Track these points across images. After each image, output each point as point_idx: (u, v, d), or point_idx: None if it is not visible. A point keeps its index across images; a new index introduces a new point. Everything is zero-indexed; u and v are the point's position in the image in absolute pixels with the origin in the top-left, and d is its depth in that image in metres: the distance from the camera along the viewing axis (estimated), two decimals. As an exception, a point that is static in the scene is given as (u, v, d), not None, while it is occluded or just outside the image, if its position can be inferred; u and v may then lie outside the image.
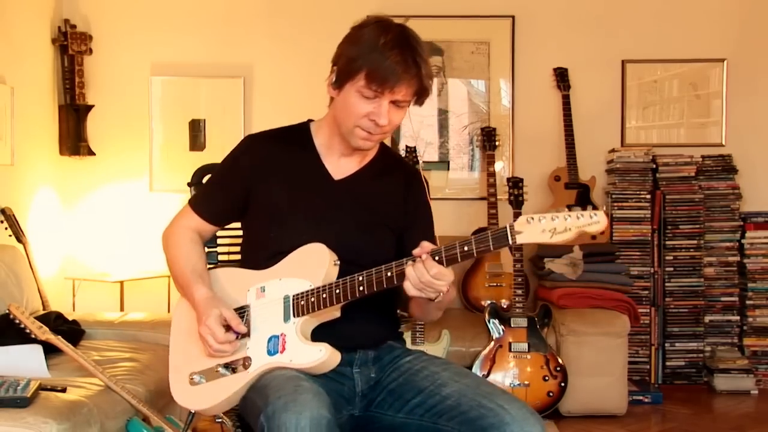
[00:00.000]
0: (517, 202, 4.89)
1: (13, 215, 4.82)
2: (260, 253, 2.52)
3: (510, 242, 2.13)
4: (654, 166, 5.63)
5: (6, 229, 4.77)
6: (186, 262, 2.58)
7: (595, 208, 2.09)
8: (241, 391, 2.37)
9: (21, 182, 5.16)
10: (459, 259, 2.20)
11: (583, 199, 5.48)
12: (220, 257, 2.91)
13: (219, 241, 2.89)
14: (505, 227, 2.14)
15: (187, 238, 2.62)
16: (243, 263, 2.63)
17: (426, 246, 2.24)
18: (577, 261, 5.22)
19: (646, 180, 5.61)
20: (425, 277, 2.20)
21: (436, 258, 2.21)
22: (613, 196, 5.58)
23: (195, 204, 2.65)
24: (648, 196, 5.57)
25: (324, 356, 2.30)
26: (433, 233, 2.65)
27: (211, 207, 2.63)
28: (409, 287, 2.23)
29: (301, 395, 2.13)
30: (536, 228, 2.12)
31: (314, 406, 2.10)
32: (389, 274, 2.26)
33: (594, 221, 2.09)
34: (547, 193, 5.69)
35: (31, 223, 5.18)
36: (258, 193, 2.54)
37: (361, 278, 2.29)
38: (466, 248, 2.18)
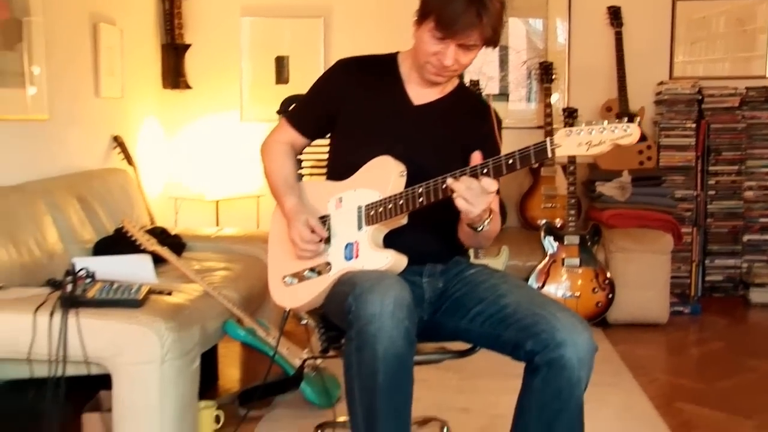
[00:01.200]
0: (571, 131, 4.84)
1: (124, 142, 4.92)
2: (342, 167, 2.52)
3: (549, 155, 2.09)
4: (700, 97, 5.52)
5: (118, 154, 4.87)
6: (279, 174, 2.61)
7: (630, 121, 2.02)
8: (325, 291, 2.42)
9: (130, 113, 5.24)
10: (504, 171, 2.14)
11: None
12: (305, 171, 2.92)
13: (304, 157, 2.89)
14: (545, 141, 2.09)
15: (281, 152, 2.65)
16: (328, 175, 2.64)
17: (477, 157, 2.20)
18: (626, 184, 5.19)
19: (692, 111, 5.51)
20: (475, 185, 2.17)
21: (484, 171, 2.17)
22: (661, 125, 5.51)
23: (290, 118, 2.67)
24: (693, 126, 5.49)
25: (391, 261, 2.32)
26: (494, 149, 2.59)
27: (304, 121, 2.64)
28: (459, 199, 2.19)
29: (385, 280, 2.16)
30: (574, 141, 2.06)
31: (397, 289, 2.13)
32: (444, 186, 2.23)
33: (627, 134, 2.02)
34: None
35: (139, 150, 5.28)
36: (344, 111, 2.54)
37: (420, 189, 2.28)
38: (510, 161, 2.13)
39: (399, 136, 2.49)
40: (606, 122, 2.05)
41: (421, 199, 2.28)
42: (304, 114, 2.66)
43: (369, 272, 2.27)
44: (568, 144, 2.07)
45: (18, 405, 3.40)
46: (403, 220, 2.39)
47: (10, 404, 3.40)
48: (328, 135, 2.67)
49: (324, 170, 2.69)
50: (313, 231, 2.43)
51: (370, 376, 2.11)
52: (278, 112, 2.91)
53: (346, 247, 2.41)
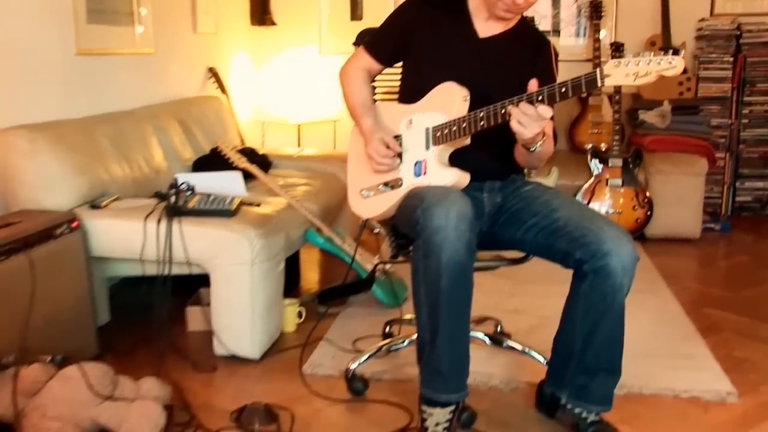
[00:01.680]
0: (617, 63, 4.72)
1: (218, 73, 4.93)
2: (412, 91, 2.49)
3: (599, 84, 2.03)
4: (738, 33, 5.30)
5: (213, 83, 4.89)
6: (357, 97, 2.59)
7: (675, 54, 1.95)
8: (397, 204, 2.41)
9: (222, 47, 5.23)
10: (557, 98, 2.09)
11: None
12: (378, 97, 2.89)
13: (377, 84, 2.87)
14: (596, 71, 2.03)
15: (359, 77, 2.61)
16: (399, 99, 2.60)
17: (533, 85, 2.15)
18: (666, 113, 5.07)
19: (730, 45, 5.29)
20: (531, 111, 2.12)
21: (540, 98, 2.13)
22: (701, 59, 5.31)
23: (367, 46, 2.62)
24: (731, 59, 5.28)
25: (455, 178, 2.31)
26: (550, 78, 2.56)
27: (380, 49, 2.59)
28: (515, 123, 2.16)
29: (450, 196, 2.16)
30: (622, 71, 2.01)
31: (461, 203, 2.13)
32: (503, 110, 2.19)
33: (672, 66, 1.95)
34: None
35: (231, 80, 5.28)
36: (415, 41, 2.50)
37: (481, 114, 2.24)
38: (563, 89, 2.08)
39: (464, 64, 2.44)
40: (652, 54, 1.98)
41: (482, 123, 2.25)
42: (380, 43, 2.61)
43: (435, 188, 2.26)
44: (617, 74, 2.02)
45: (133, 298, 3.51)
46: (467, 141, 2.36)
47: (127, 297, 3.51)
48: (400, 63, 2.63)
49: (394, 96, 2.66)
50: (387, 147, 2.42)
51: (434, 281, 2.13)
52: (354, 44, 2.89)
53: (416, 164, 2.40)
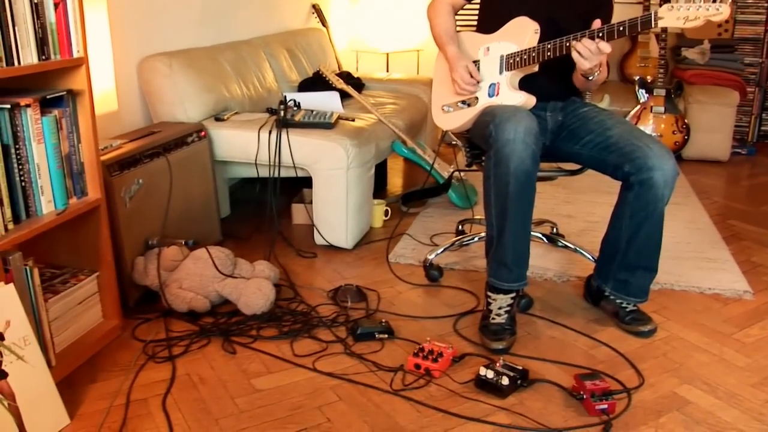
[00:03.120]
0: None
1: (320, 9, 4.83)
2: (490, 22, 2.38)
3: (653, 25, 1.95)
4: (775, -21, 4.94)
5: (315, 17, 4.80)
6: (443, 27, 2.47)
7: (722, 1, 1.85)
8: (473, 119, 2.34)
9: (323, -14, 5.12)
10: (615, 36, 2.01)
11: None
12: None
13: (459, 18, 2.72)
14: (651, 13, 1.95)
15: (444, 10, 2.49)
16: (478, 29, 2.49)
17: (596, 23, 2.06)
18: (706, 50, 4.82)
19: (767, -10, 4.95)
20: (592, 46, 2.04)
21: (600, 34, 2.04)
22: (738, 3, 4.96)
23: None
24: (766, 4, 4.93)
25: (523, 100, 2.23)
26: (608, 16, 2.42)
27: None
28: (577, 55, 2.08)
29: (518, 113, 2.09)
30: (673, 15, 1.93)
31: (528, 120, 2.07)
32: (568, 44, 2.11)
33: (719, 12, 1.86)
34: None
35: (331, 14, 5.16)
36: None
37: (549, 45, 2.15)
38: (621, 28, 2.00)
39: (535, 2, 2.31)
40: (701, 1, 1.89)
41: (549, 54, 2.16)
42: None
43: (506, 107, 2.19)
44: (669, 17, 1.94)
45: (250, 195, 3.54)
46: (535, 68, 2.26)
47: (245, 194, 3.54)
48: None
49: (472, 28, 2.55)
50: (471, 75, 2.33)
51: (503, 186, 2.08)
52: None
53: (490, 86, 2.31)
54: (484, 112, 2.27)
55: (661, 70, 4.53)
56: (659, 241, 2.21)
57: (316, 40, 4.49)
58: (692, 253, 2.97)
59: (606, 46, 2.04)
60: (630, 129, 2.21)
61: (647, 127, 4.50)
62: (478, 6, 2.51)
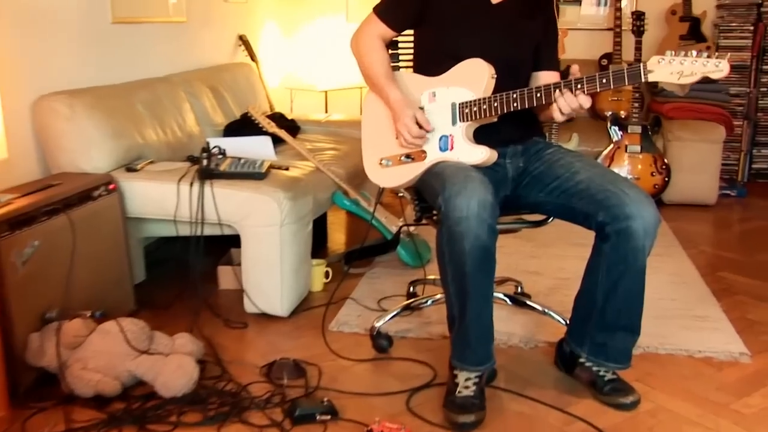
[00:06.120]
0: (638, 32, 4.61)
1: (248, 41, 4.90)
2: (430, 62, 2.44)
3: (642, 79, 2.02)
4: (759, 1, 5.18)
5: (243, 51, 4.86)
6: (379, 66, 2.48)
7: (713, 49, 1.93)
8: (418, 176, 2.38)
9: (252, 15, 5.19)
10: (598, 88, 2.10)
11: (694, 30, 5.12)
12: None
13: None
14: (639, 66, 2.02)
15: (376, 45, 2.50)
16: (415, 68, 2.54)
17: (574, 70, 2.16)
18: (685, 81, 4.99)
19: (751, 14, 5.18)
20: (574, 104, 2.14)
21: (579, 86, 2.12)
22: (721, 27, 5.21)
23: (380, 12, 2.50)
24: (751, 28, 5.18)
25: (484, 157, 2.28)
26: (556, 47, 2.54)
27: (393, 16, 2.49)
28: (557, 113, 2.18)
29: (470, 183, 2.12)
30: (666, 69, 1.99)
31: (481, 192, 2.10)
32: (539, 95, 2.19)
33: (718, 69, 1.96)
34: (663, 25, 5.30)
35: (261, 47, 5.24)
36: (431, 9, 2.42)
37: (515, 95, 2.22)
38: (604, 80, 2.09)
39: (481, 33, 2.40)
40: (697, 53, 1.97)
41: (515, 104, 2.23)
42: (394, 9, 2.51)
43: (457, 171, 2.20)
44: (661, 71, 2.01)
45: (168, 257, 3.53)
46: (494, 119, 2.32)
47: (163, 257, 3.53)
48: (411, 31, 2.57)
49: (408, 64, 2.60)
50: (420, 126, 2.36)
51: (459, 266, 2.14)
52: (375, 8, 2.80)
53: (442, 139, 2.35)
54: (432, 171, 2.32)
55: (636, 104, 4.69)
56: (641, 298, 2.27)
57: (243, 76, 4.55)
58: (679, 311, 3.05)
59: (586, 101, 2.15)
60: (602, 172, 2.29)
61: (622, 168, 4.64)
62: (410, 39, 2.56)
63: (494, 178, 2.34)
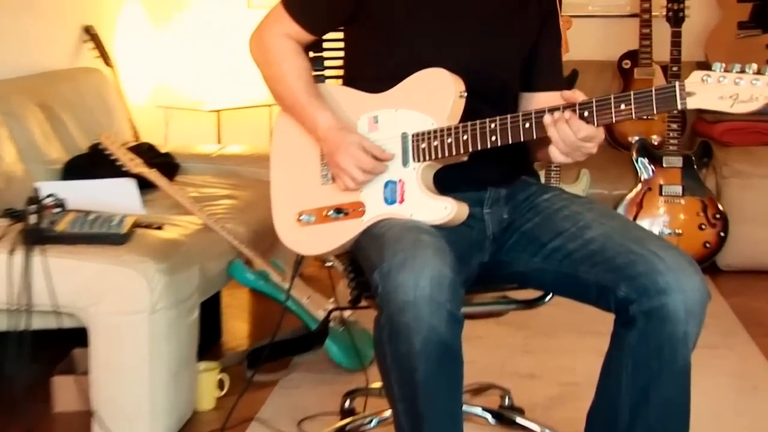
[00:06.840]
0: (676, 19, 4.68)
1: (98, 35, 4.90)
2: (371, 72, 2.47)
3: (679, 106, 2.01)
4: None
5: (92, 50, 4.85)
6: (297, 80, 2.47)
7: None
8: (354, 239, 2.37)
9: (105, -3, 5.24)
10: (614, 120, 2.08)
11: (760, 14, 5.17)
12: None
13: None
14: (674, 86, 1.99)
15: (291, 50, 2.50)
16: (348, 82, 2.56)
17: (570, 97, 2.13)
18: (745, 91, 5.08)
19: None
20: (571, 139, 2.11)
21: (585, 114, 2.10)
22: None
23: (291, 6, 2.49)
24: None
25: (449, 214, 2.25)
26: (559, 54, 2.58)
27: (311, 11, 2.50)
28: (555, 153, 2.15)
29: (420, 251, 2.08)
30: (714, 91, 1.96)
31: (435, 264, 2.05)
32: (527, 125, 2.17)
33: None
34: (713, 8, 5.37)
35: (118, 45, 5.26)
36: (368, 2, 2.43)
37: (493, 126, 2.20)
38: (623, 106, 2.05)
39: (445, 30, 2.41)
40: (758, 68, 1.93)
41: (493, 138, 2.21)
42: (313, 5, 2.52)
43: (404, 233, 2.18)
44: (705, 94, 1.97)
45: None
46: (464, 158, 2.30)
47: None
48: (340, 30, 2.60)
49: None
50: (376, 157, 2.33)
51: (407, 372, 2.10)
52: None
53: (386, 185, 2.34)
54: (370, 232, 2.31)
55: (675, 126, 4.76)
56: (686, 411, 2.26)
57: (92, 88, 4.55)
58: (746, 429, 3.09)
59: (600, 134, 2.12)
60: (624, 226, 2.31)
61: (656, 220, 4.71)
62: (337, 39, 2.59)
63: (466, 236, 2.35)
